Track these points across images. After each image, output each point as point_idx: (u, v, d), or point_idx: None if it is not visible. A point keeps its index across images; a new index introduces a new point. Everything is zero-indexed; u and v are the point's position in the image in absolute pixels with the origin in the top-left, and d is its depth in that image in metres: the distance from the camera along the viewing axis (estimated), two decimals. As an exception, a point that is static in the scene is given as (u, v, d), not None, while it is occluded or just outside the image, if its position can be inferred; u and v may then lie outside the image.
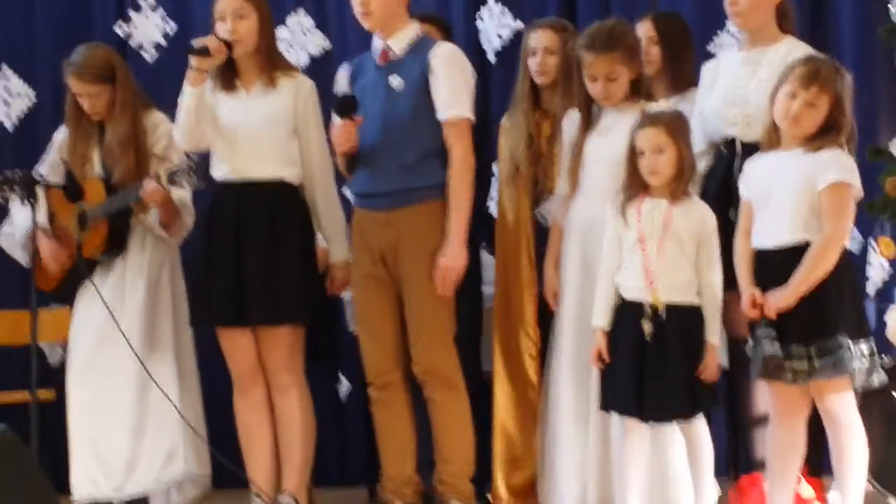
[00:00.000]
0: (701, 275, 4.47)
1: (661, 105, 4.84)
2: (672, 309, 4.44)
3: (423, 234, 4.78)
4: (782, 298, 4.29)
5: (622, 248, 4.53)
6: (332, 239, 5.07)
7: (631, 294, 4.51)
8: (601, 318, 4.55)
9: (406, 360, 4.89)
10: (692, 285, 4.47)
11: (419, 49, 4.82)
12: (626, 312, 4.52)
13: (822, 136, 4.34)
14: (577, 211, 4.83)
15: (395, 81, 4.81)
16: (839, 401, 4.33)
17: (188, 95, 4.91)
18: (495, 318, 5.20)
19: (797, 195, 4.34)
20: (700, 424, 4.52)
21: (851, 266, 4.45)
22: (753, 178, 4.48)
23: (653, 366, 4.43)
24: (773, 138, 4.44)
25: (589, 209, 4.77)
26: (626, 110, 4.77)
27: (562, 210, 4.90)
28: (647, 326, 4.45)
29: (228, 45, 4.91)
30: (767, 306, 4.31)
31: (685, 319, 4.45)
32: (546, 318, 4.99)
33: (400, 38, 4.84)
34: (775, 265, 4.35)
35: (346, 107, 4.86)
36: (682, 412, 4.46)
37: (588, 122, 4.83)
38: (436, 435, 4.91)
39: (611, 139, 4.75)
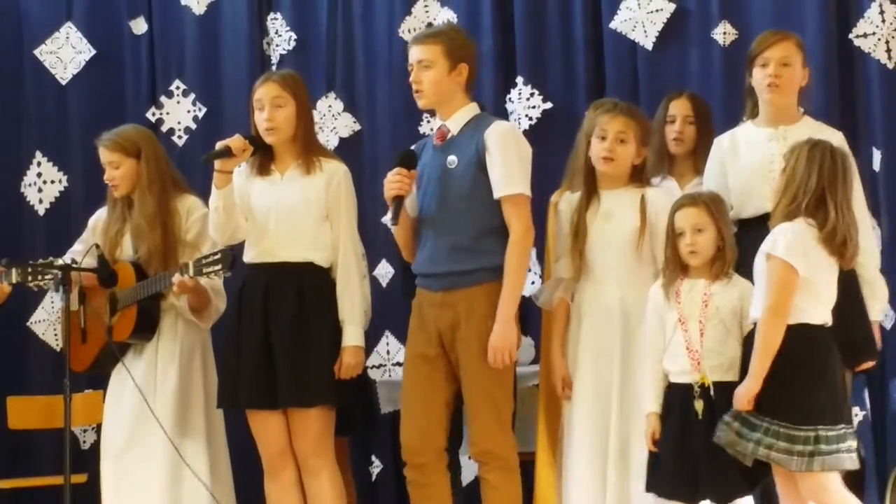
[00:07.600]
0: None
1: (663, 186, 4.90)
2: (720, 386, 4.41)
3: (479, 316, 4.70)
4: (746, 390, 4.27)
5: (665, 330, 4.52)
6: (346, 323, 4.98)
7: (677, 377, 4.48)
8: (652, 402, 4.52)
9: (445, 442, 4.81)
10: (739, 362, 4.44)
11: (476, 128, 4.78)
12: (674, 396, 4.49)
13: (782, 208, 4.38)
14: (589, 296, 4.81)
15: (451, 160, 4.79)
16: (810, 486, 4.27)
17: (215, 197, 4.91)
18: (541, 400, 5.16)
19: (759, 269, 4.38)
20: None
21: (810, 348, 4.32)
22: None
23: (706, 447, 4.37)
24: None
25: (602, 295, 4.77)
26: (626, 193, 4.79)
27: (566, 293, 4.86)
28: (699, 405, 4.41)
29: (255, 141, 4.93)
30: (736, 401, 4.29)
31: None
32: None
33: (457, 118, 4.82)
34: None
35: (406, 159, 4.83)
36: (742, 491, 4.43)
37: (587, 204, 4.82)
38: None
39: (615, 223, 4.77)
